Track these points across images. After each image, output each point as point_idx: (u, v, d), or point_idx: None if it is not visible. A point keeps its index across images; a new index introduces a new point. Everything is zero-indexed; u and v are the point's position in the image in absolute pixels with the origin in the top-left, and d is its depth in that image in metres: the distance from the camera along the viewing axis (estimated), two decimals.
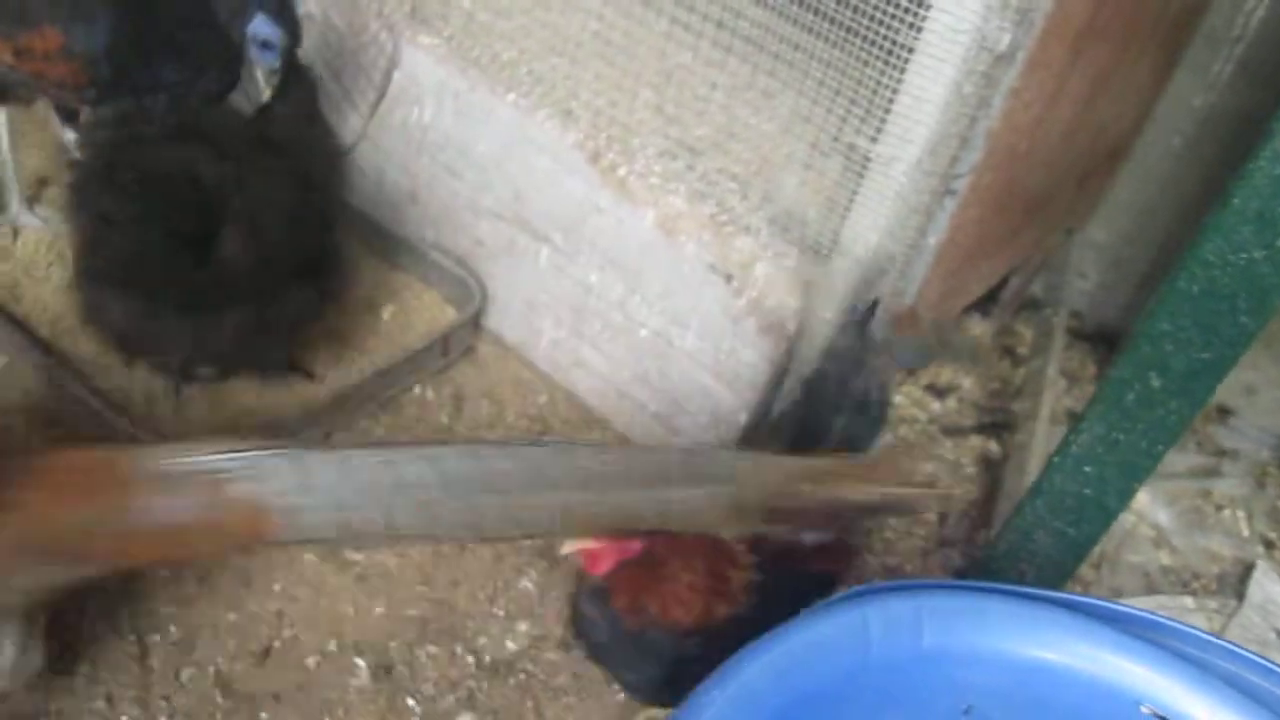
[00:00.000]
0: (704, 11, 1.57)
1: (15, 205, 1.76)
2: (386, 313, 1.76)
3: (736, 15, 1.66)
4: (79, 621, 1.28)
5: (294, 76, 1.68)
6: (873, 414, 1.34)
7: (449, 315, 1.78)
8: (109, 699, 1.24)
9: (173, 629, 1.32)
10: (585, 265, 1.66)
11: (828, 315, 1.46)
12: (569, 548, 1.14)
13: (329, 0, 1.82)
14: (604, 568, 1.14)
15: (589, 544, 1.13)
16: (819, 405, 1.34)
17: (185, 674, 1.28)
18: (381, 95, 1.81)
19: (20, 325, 1.54)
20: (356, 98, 1.86)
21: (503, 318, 1.78)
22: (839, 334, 1.42)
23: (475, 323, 1.75)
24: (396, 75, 1.80)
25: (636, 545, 1.13)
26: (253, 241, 1.39)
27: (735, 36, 1.51)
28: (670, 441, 1.64)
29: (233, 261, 1.38)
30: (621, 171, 1.60)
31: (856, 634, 0.85)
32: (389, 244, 1.82)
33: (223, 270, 1.38)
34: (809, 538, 1.23)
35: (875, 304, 1.39)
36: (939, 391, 1.86)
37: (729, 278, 1.51)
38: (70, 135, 1.84)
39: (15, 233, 1.75)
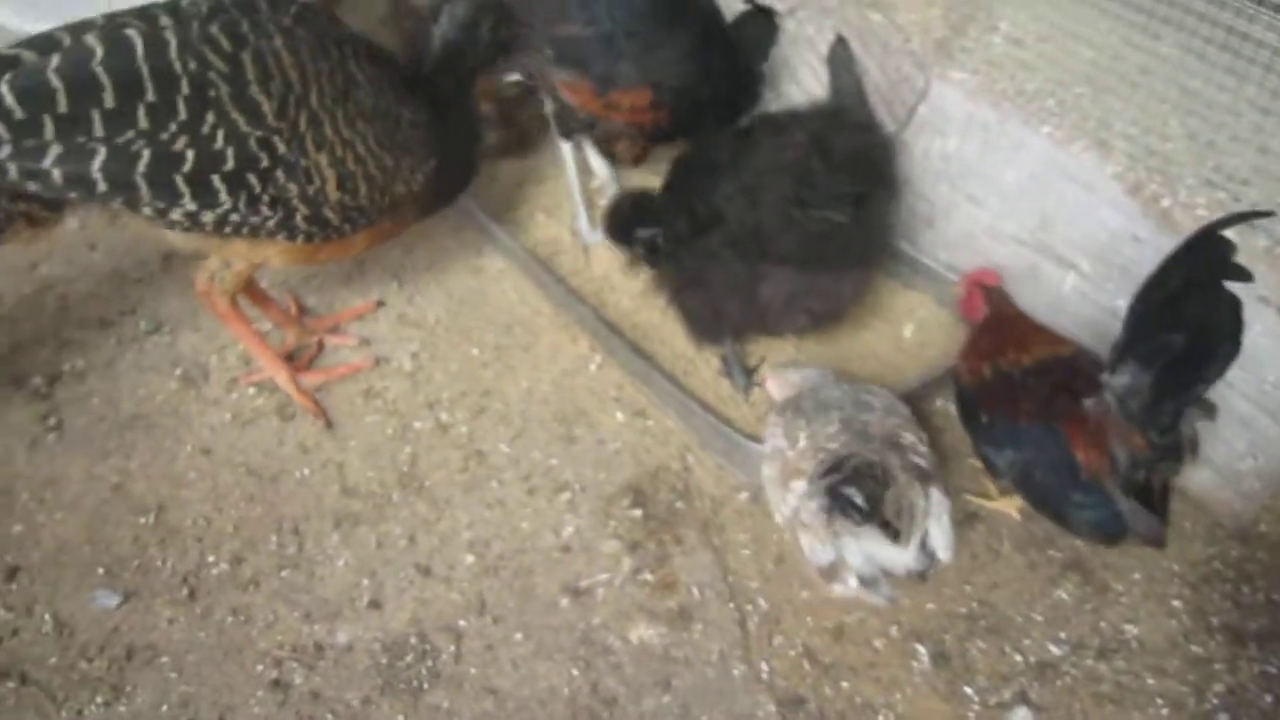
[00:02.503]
0: (1207, 35, 1.58)
1: (585, 226, 2.08)
2: (908, 331, 1.91)
3: (1242, 38, 1.67)
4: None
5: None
6: None
7: (962, 335, 1.89)
8: (721, 654, 1.47)
9: (762, 602, 1.53)
10: (1114, 292, 1.72)
11: None
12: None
13: (864, 46, 1.98)
14: None
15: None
16: None
17: (776, 641, 1.49)
18: (903, 127, 1.95)
19: (613, 329, 1.82)
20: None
21: None
22: None
23: None
24: (921, 108, 1.94)
25: None
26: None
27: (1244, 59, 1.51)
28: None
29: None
30: (1165, 203, 1.64)
31: None
32: (906, 266, 1.97)
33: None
34: None
35: None
36: None
37: None
38: (604, 168, 2.16)
39: (586, 250, 2.06)
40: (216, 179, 1.46)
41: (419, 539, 1.59)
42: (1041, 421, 1.45)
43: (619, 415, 1.77)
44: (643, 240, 1.73)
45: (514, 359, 1.87)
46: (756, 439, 1.61)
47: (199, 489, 1.65)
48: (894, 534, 1.26)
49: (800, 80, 2.17)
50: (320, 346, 1.87)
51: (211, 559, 1.56)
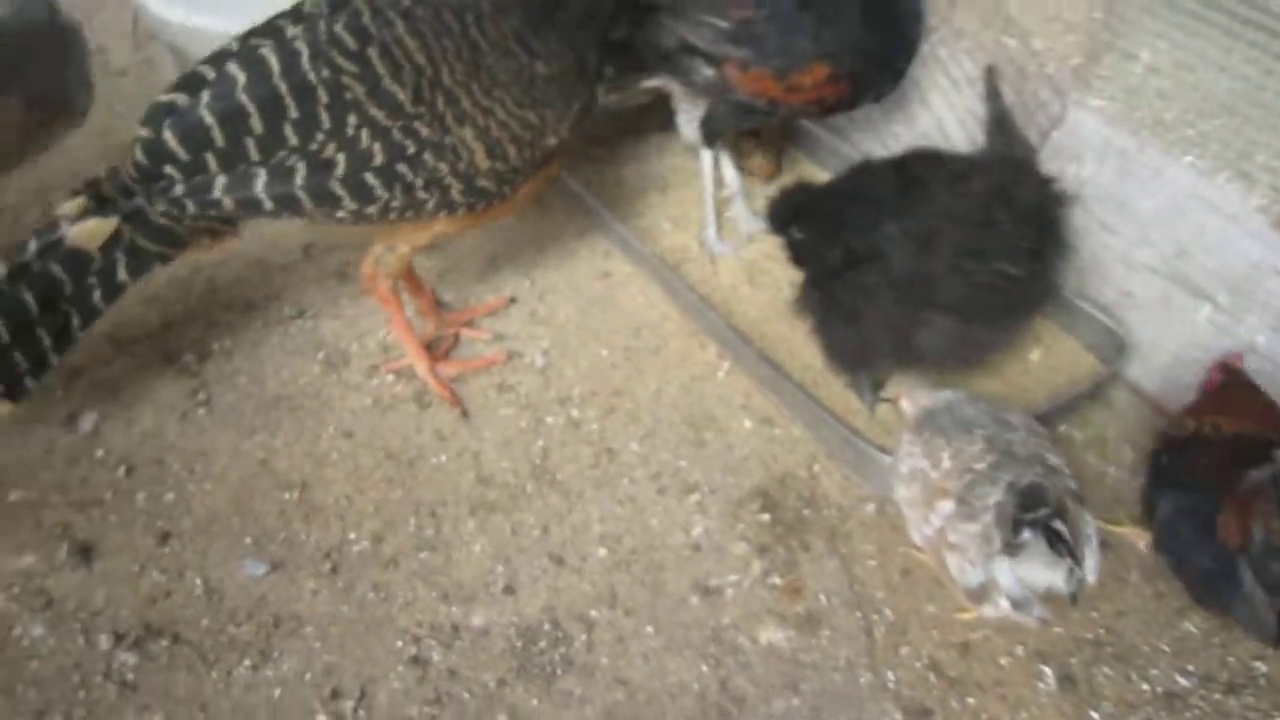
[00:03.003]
0: None
1: (713, 237, 2.12)
2: (1034, 355, 1.91)
3: None
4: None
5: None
6: None
7: (1088, 361, 1.89)
8: (848, 661, 1.49)
9: (888, 613, 1.55)
10: (1254, 326, 1.71)
11: None
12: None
13: (1000, 70, 1.99)
14: None
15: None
16: None
17: (902, 651, 1.50)
18: (1038, 153, 1.96)
19: (743, 337, 1.85)
20: None
21: (1144, 368, 1.87)
22: None
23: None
24: (1056, 134, 1.94)
25: None
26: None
27: None
28: None
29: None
30: None
31: None
32: None
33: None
34: None
35: None
36: None
37: None
38: (731, 172, 2.18)
39: (713, 260, 2.10)
40: (369, 176, 1.52)
41: (552, 529, 1.63)
42: (1204, 480, 1.44)
43: (747, 422, 1.80)
44: (795, 241, 1.74)
45: (643, 361, 1.91)
46: (885, 451, 1.63)
47: (340, 469, 1.71)
48: (1067, 558, 1.27)
49: (929, 103, 2.19)
50: (455, 339, 1.93)
51: (353, 536, 1.61)
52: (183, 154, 1.48)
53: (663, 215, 2.24)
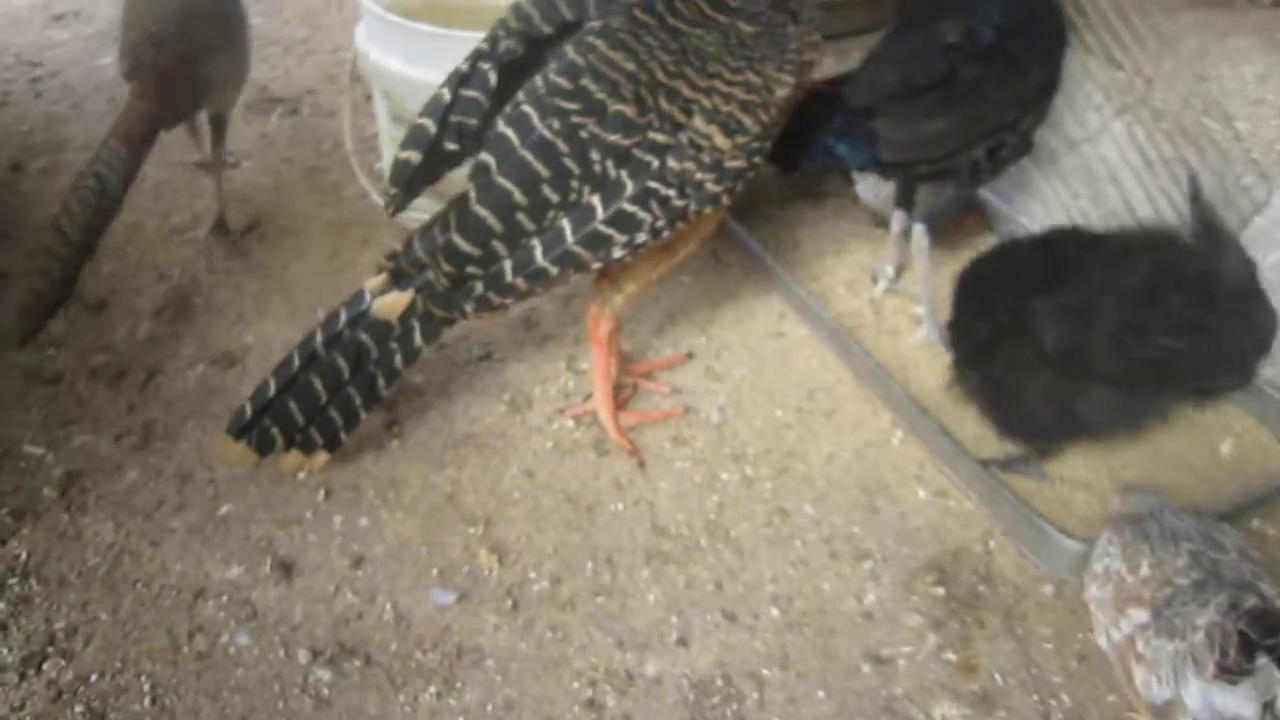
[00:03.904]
0: None
1: (928, 325, 2.10)
2: (1225, 446, 1.86)
3: None
4: None
5: None
6: None
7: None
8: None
9: (1065, 698, 1.52)
10: None
11: None
12: None
13: (1199, 152, 1.96)
14: None
15: None
16: None
17: None
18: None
19: (921, 407, 1.86)
20: None
21: None
22: None
23: None
24: (1258, 220, 1.90)
25: None
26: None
27: None
28: None
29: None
30: None
31: None
32: None
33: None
34: None
35: None
36: None
37: None
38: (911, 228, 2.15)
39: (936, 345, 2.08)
40: (627, 205, 1.53)
41: (724, 585, 1.66)
42: None
43: (921, 492, 1.80)
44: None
45: (816, 424, 1.93)
46: (1066, 533, 1.61)
47: (522, 508, 1.78)
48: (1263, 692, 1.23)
49: (1120, 181, 2.16)
50: (634, 390, 1.99)
51: (533, 575, 1.67)
52: (475, 250, 1.56)
53: (838, 279, 2.26)
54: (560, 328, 2.16)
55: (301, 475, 1.82)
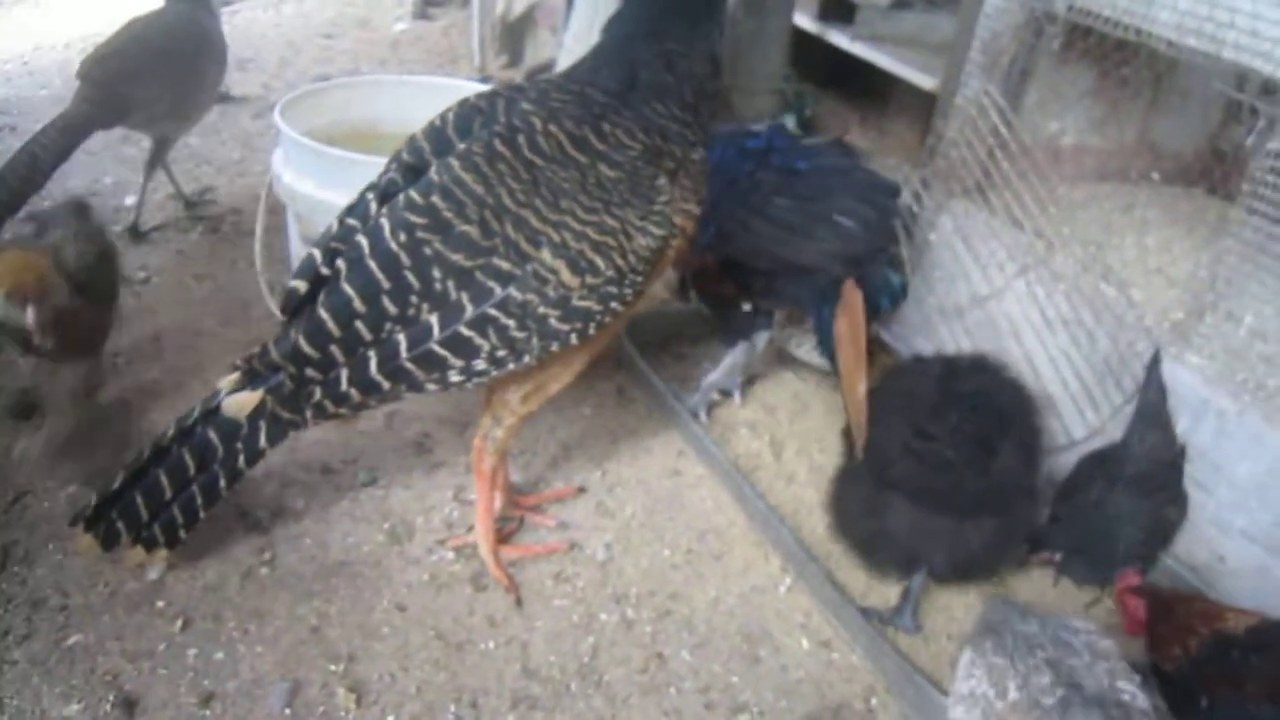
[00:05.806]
0: None
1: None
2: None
3: None
4: None
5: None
6: None
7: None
8: None
9: None
10: None
11: None
12: None
13: (1095, 316, 1.99)
14: None
15: None
16: None
17: None
18: (1129, 402, 1.92)
19: (810, 554, 1.82)
20: (1099, 399, 2.01)
21: None
22: None
23: None
24: None
25: None
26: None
27: None
28: None
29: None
30: None
31: None
32: None
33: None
34: None
35: None
36: None
37: None
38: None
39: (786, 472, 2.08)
40: (463, 329, 1.50)
41: None
42: (1272, 702, 1.35)
43: (804, 642, 1.74)
44: None
45: (704, 566, 1.88)
46: (945, 692, 1.55)
47: (390, 644, 1.69)
48: None
49: (1022, 338, 2.18)
50: (520, 523, 1.93)
51: (391, 718, 1.58)
52: (314, 353, 1.55)
53: (739, 419, 2.24)
54: (453, 455, 2.10)
55: (160, 605, 1.72)
